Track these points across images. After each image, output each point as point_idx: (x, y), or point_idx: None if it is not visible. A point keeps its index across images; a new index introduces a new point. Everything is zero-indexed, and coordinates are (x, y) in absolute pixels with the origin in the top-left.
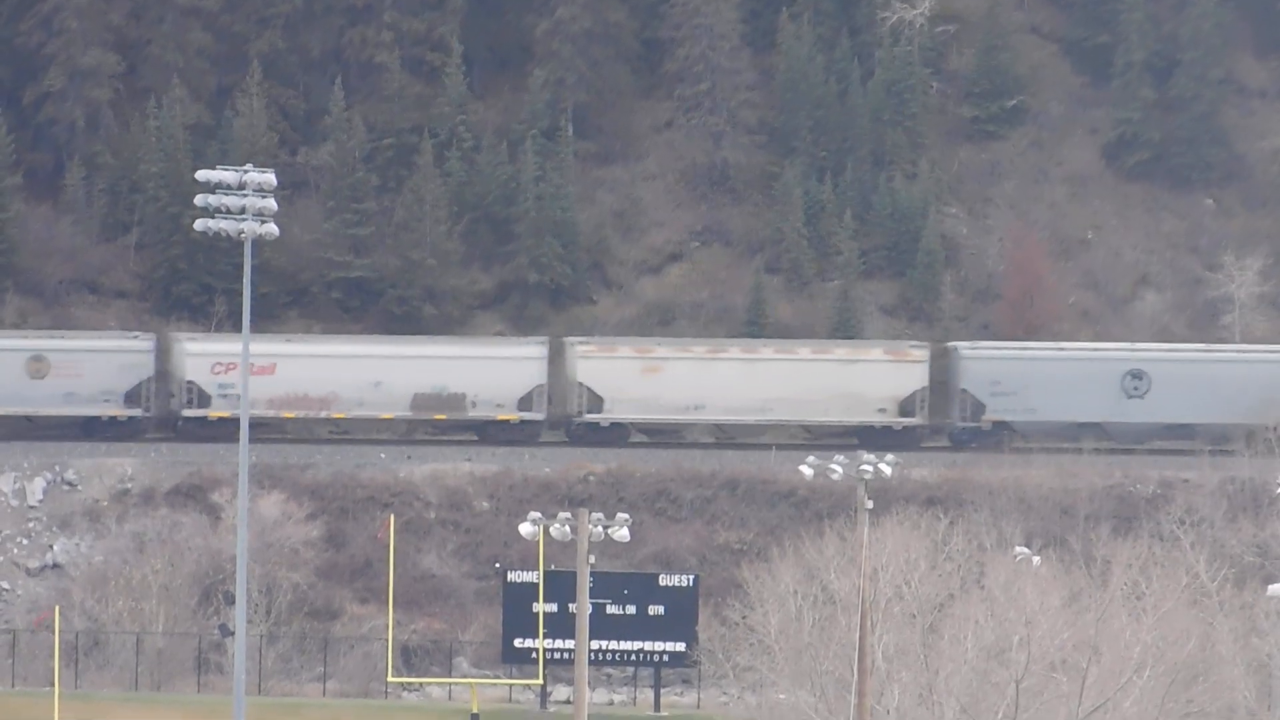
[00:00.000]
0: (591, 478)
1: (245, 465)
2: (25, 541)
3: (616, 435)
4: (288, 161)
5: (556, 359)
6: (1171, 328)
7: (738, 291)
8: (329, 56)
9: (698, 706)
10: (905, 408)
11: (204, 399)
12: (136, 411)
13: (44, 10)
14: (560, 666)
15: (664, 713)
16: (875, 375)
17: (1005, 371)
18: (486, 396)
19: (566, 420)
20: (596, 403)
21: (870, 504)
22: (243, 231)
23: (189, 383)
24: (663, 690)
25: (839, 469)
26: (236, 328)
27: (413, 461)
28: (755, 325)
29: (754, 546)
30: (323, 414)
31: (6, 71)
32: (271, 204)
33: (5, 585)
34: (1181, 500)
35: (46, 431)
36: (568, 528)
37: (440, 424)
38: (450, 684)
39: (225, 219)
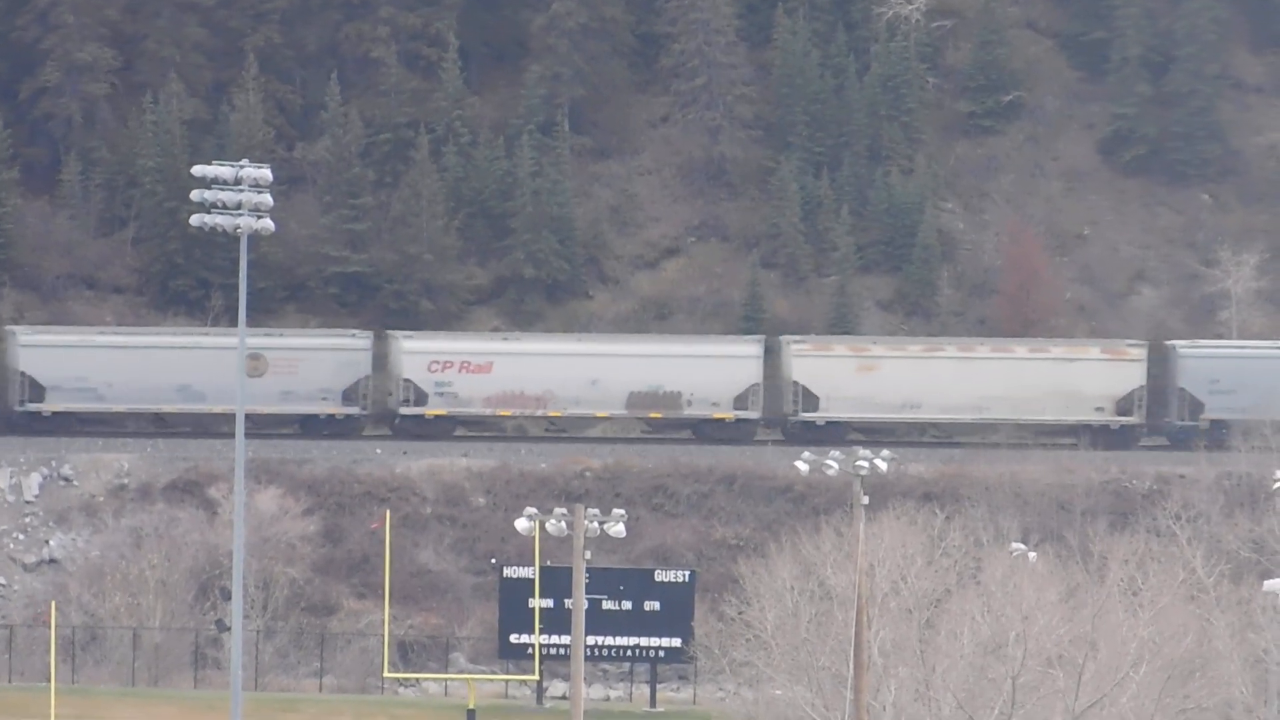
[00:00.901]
0: (588, 473)
1: (241, 460)
2: (22, 537)
3: (832, 434)
4: (284, 156)
5: (771, 357)
6: (1168, 323)
7: (734, 287)
8: (325, 51)
9: (694, 702)
10: (1122, 407)
11: (421, 397)
12: (354, 409)
13: (41, 5)
14: (556, 662)
15: (660, 708)
16: (1093, 374)
17: (1224, 370)
18: (702, 395)
19: (782, 419)
20: (812, 401)
21: (866, 499)
22: (239, 227)
23: (406, 380)
24: (659, 686)
25: (835, 465)
26: (233, 323)
27: (409, 457)
28: (752, 321)
29: (751, 542)
30: (539, 412)
31: (3, 66)
32: (268, 199)
33: (2, 581)
34: (1178, 495)
35: (264, 430)
36: (564, 523)
37: (655, 422)
38: (447, 680)
39: (222, 214)
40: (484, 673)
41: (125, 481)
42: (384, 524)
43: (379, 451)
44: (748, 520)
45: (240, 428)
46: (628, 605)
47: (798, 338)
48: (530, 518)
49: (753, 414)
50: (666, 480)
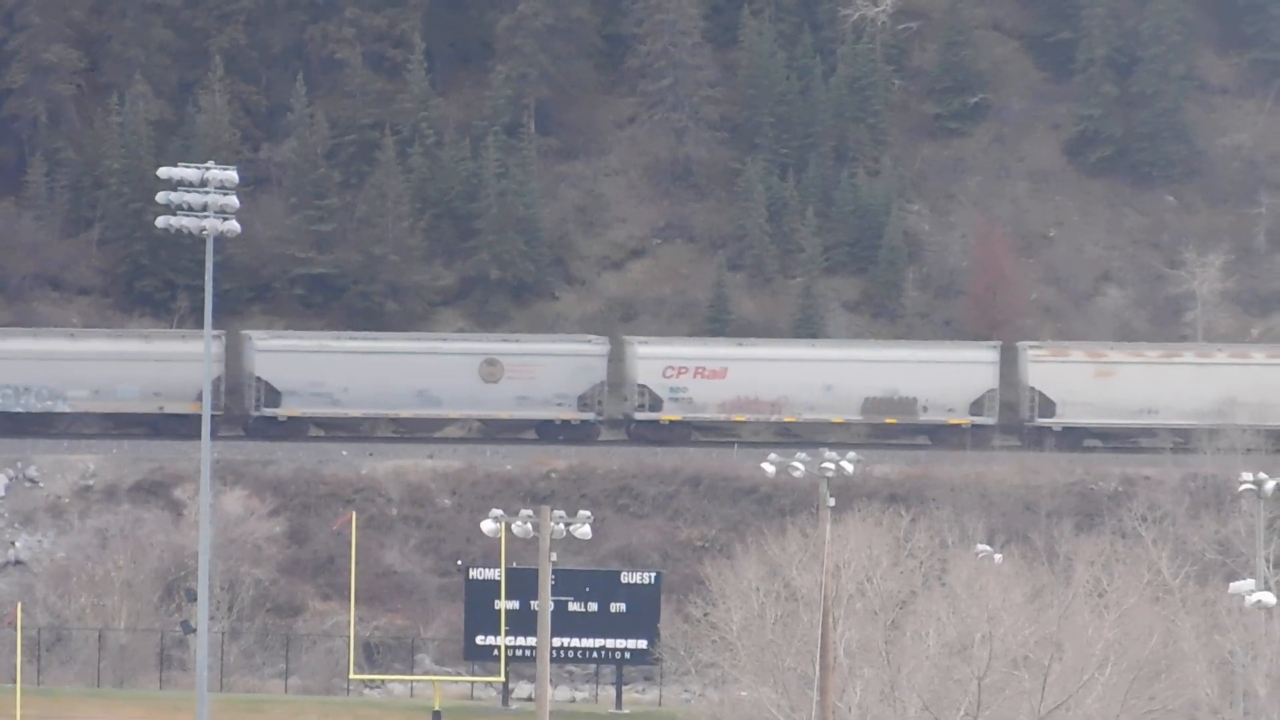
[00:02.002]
0: (554, 474)
1: (208, 461)
2: None
3: (1069, 440)
4: (250, 158)
5: (1008, 363)
6: (1133, 324)
7: (700, 288)
8: (291, 52)
9: (659, 704)
10: None
11: (656, 402)
12: (589, 415)
13: (6, 6)
14: (522, 663)
15: (626, 710)
16: None
17: None
18: (938, 400)
19: (1017, 425)
20: (1048, 407)
21: (833, 501)
22: (205, 228)
23: (641, 386)
24: (625, 687)
25: (801, 466)
26: (198, 324)
27: (375, 458)
28: (718, 322)
29: (716, 543)
30: (773, 417)
31: None
32: (234, 201)
33: None
34: (1144, 497)
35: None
36: (530, 525)
37: (889, 428)
38: (412, 681)
39: (187, 216)
40: (449, 674)
41: (91, 483)
42: (347, 524)
43: (344, 453)
44: (713, 521)
45: (206, 427)
46: (593, 607)
47: (1035, 343)
48: (496, 519)
49: (988, 420)
50: (632, 481)
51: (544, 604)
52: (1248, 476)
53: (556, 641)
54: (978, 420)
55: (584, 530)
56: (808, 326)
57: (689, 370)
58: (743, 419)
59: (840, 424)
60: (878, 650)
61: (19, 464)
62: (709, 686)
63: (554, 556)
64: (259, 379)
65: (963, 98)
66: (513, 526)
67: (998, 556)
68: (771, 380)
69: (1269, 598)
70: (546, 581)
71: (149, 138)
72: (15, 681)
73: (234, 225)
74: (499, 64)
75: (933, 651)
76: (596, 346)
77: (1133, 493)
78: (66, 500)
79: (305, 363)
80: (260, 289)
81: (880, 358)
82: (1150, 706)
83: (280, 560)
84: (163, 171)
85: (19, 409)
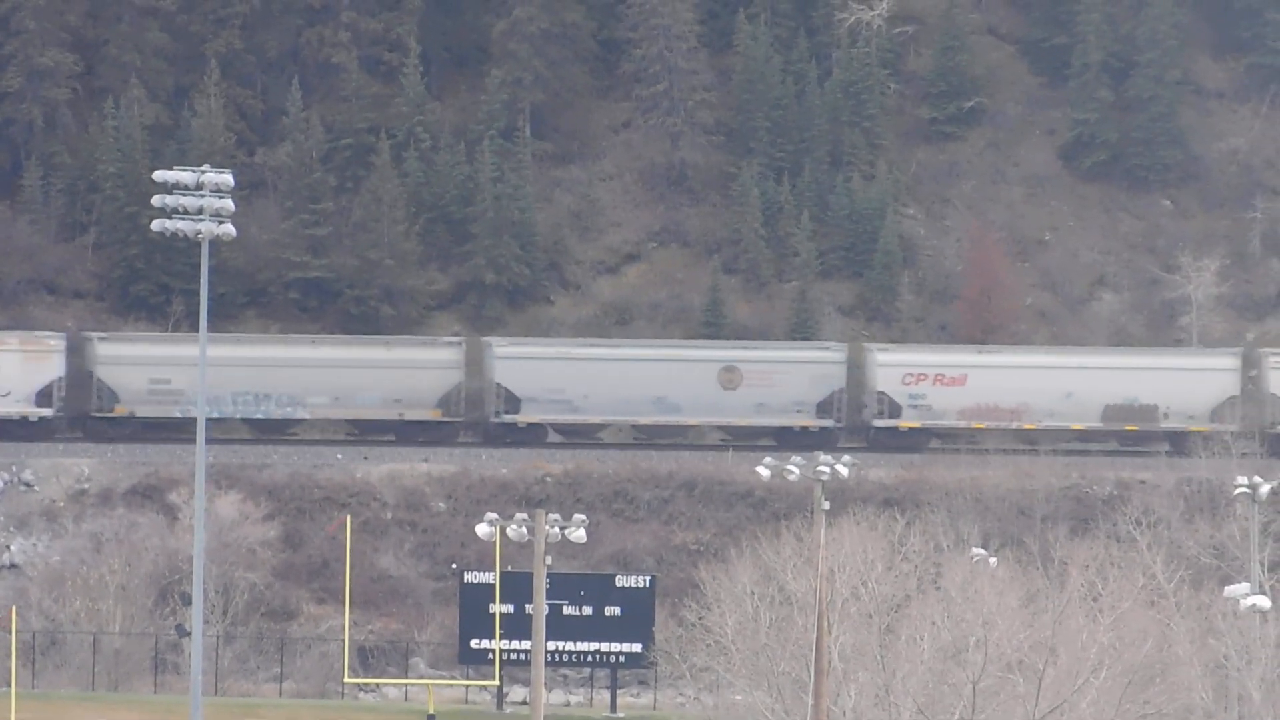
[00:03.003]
0: (549, 478)
1: (202, 465)
2: None
3: None
4: (245, 162)
5: (1249, 370)
6: (1129, 329)
7: (695, 292)
8: (286, 57)
9: (654, 707)
10: None
11: (895, 409)
12: (828, 422)
13: (1, 10)
14: (517, 667)
15: (620, 714)
16: None
17: None
18: (1179, 407)
19: (1260, 432)
20: None
21: (827, 505)
22: (200, 232)
23: (880, 393)
24: (619, 691)
25: (796, 470)
26: (194, 328)
27: (370, 462)
28: (712, 326)
29: (711, 547)
30: (1013, 425)
31: None
32: (229, 204)
33: None
34: (1138, 501)
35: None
36: (524, 529)
37: (1128, 435)
38: (407, 685)
39: (183, 219)
40: (444, 678)
41: (85, 486)
42: (341, 527)
43: (339, 456)
44: (708, 525)
45: (201, 431)
46: (588, 610)
47: (1277, 350)
48: (491, 523)
49: (1230, 426)
50: (627, 485)
51: (538, 608)
52: (1242, 481)
53: (551, 645)
54: (1219, 427)
55: (579, 534)
56: (802, 331)
57: (928, 377)
58: (982, 426)
59: (1080, 431)
60: (872, 654)
61: (14, 467)
62: (703, 690)
63: (549, 560)
64: (499, 385)
65: (958, 102)
66: (507, 530)
67: (992, 561)
68: (1011, 387)
69: (1263, 602)
70: (541, 585)
71: (144, 142)
72: (10, 685)
73: (229, 229)
74: (494, 68)
75: (927, 656)
76: (835, 353)
77: (1127, 497)
78: (61, 504)
79: (545, 369)
80: (255, 293)
81: (1122, 364)
82: (1145, 711)
83: (275, 564)
84: (158, 175)
85: (259, 415)
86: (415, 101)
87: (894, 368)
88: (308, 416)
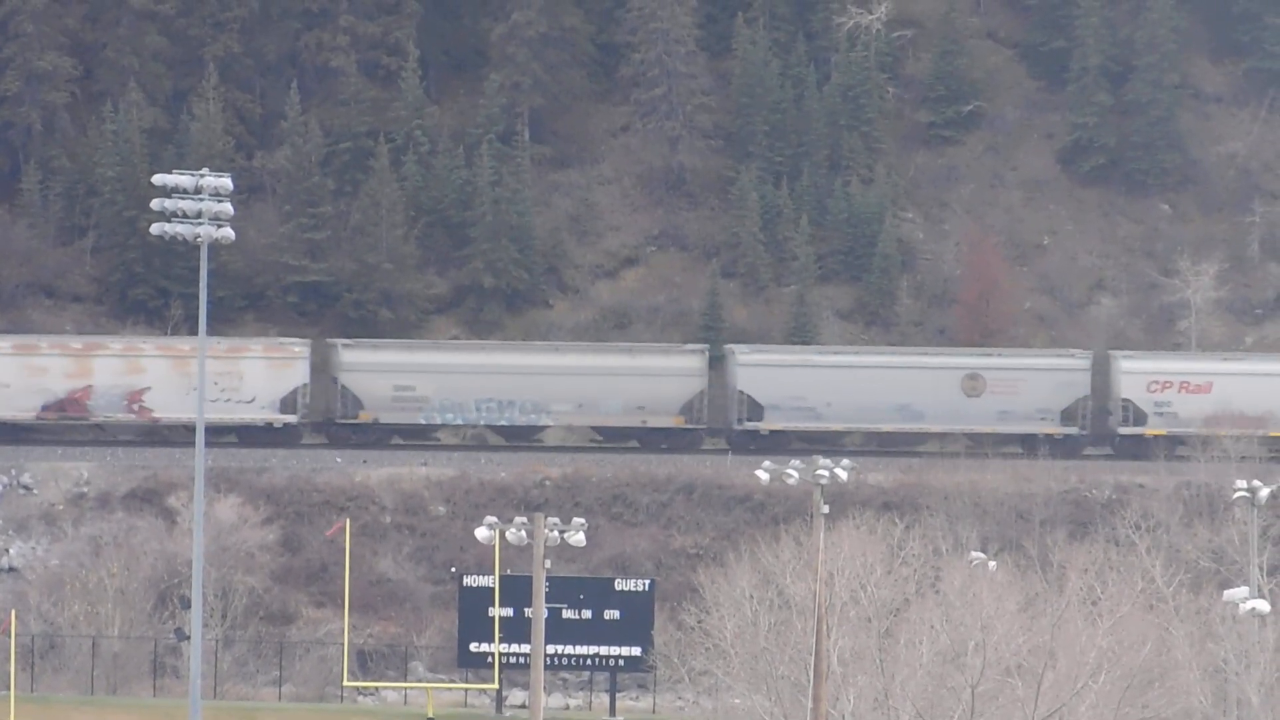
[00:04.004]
0: (548, 482)
1: (201, 469)
2: None
3: None
4: (244, 165)
5: None
6: (1127, 332)
7: (694, 296)
8: (285, 60)
9: (653, 711)
10: None
11: (1140, 417)
12: (1072, 429)
13: (0, 14)
14: (516, 671)
15: (619, 717)
16: None
17: None
18: None
19: None
20: None
21: (826, 509)
22: (199, 236)
23: (1125, 400)
24: (618, 695)
25: (795, 474)
26: (192, 331)
27: (369, 466)
28: (711, 330)
29: (710, 551)
30: (1259, 432)
31: None
32: (228, 208)
33: None
34: (1137, 505)
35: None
36: (524, 532)
37: None
38: (406, 688)
39: (181, 223)
40: (443, 681)
41: (84, 490)
42: (341, 531)
43: (339, 460)
44: (707, 529)
45: (200, 434)
46: (587, 614)
47: None
48: (490, 527)
49: None
50: (626, 489)
51: (538, 611)
52: (1241, 484)
53: (550, 649)
54: None
55: (578, 538)
56: (800, 335)
57: (1173, 384)
58: (1227, 433)
59: None
60: (871, 658)
61: (13, 471)
62: (702, 694)
63: (548, 564)
64: (742, 393)
65: (956, 106)
66: (506, 534)
67: (991, 564)
68: (1258, 394)
69: (1262, 605)
70: (540, 589)
71: (143, 145)
72: (9, 689)
73: (228, 233)
74: (493, 72)
75: (926, 659)
76: (1079, 360)
77: (1126, 501)
78: (60, 508)
79: (787, 377)
80: (254, 297)
81: None
82: (1144, 714)
83: (274, 568)
84: (157, 178)
85: (504, 422)
86: (414, 105)
87: (1139, 375)
88: (551, 423)
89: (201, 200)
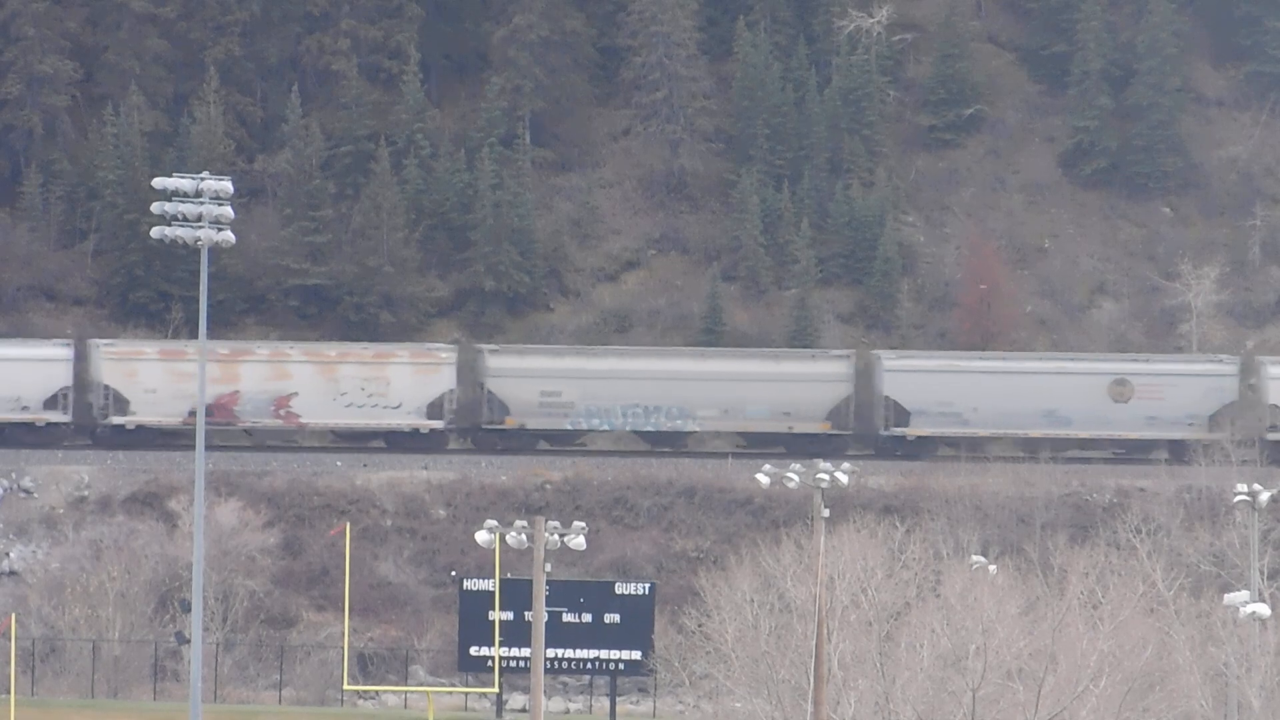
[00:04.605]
0: (548, 485)
1: (201, 472)
2: None
3: None
4: (245, 169)
5: None
6: (1128, 336)
7: (695, 299)
8: (286, 64)
9: (654, 715)
10: None
11: None
12: (1220, 435)
13: (1, 17)
14: (516, 674)
15: None
16: None
17: None
18: None
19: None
20: None
21: (827, 512)
22: (200, 239)
23: (1274, 406)
24: (619, 698)
25: (795, 477)
26: (193, 335)
27: (369, 469)
28: (712, 333)
29: (711, 554)
30: None
31: None
32: (228, 211)
33: None
34: (1138, 509)
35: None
36: (524, 536)
37: None
38: (406, 692)
39: (182, 226)
40: (443, 685)
41: (85, 494)
42: (341, 535)
43: (339, 464)
44: (708, 533)
45: (200, 438)
46: (588, 618)
47: None
48: (491, 530)
49: None
50: (626, 493)
51: (538, 615)
52: (1242, 488)
53: (550, 653)
54: None
55: (578, 541)
56: (802, 339)
57: None
58: None
59: None
60: (872, 662)
61: (13, 475)
62: (703, 698)
63: (548, 567)
64: (888, 398)
65: (957, 110)
66: (507, 537)
67: (992, 568)
68: None
69: (1263, 609)
70: (540, 592)
71: (144, 149)
72: (9, 692)
73: (229, 236)
74: (494, 76)
75: (927, 663)
76: (1227, 366)
77: (1127, 504)
78: (61, 511)
79: (934, 382)
80: (255, 300)
81: None
82: (1144, 718)
83: (274, 571)
84: (158, 182)
85: (649, 428)
86: (415, 109)
87: None
88: (697, 429)
89: (202, 203)
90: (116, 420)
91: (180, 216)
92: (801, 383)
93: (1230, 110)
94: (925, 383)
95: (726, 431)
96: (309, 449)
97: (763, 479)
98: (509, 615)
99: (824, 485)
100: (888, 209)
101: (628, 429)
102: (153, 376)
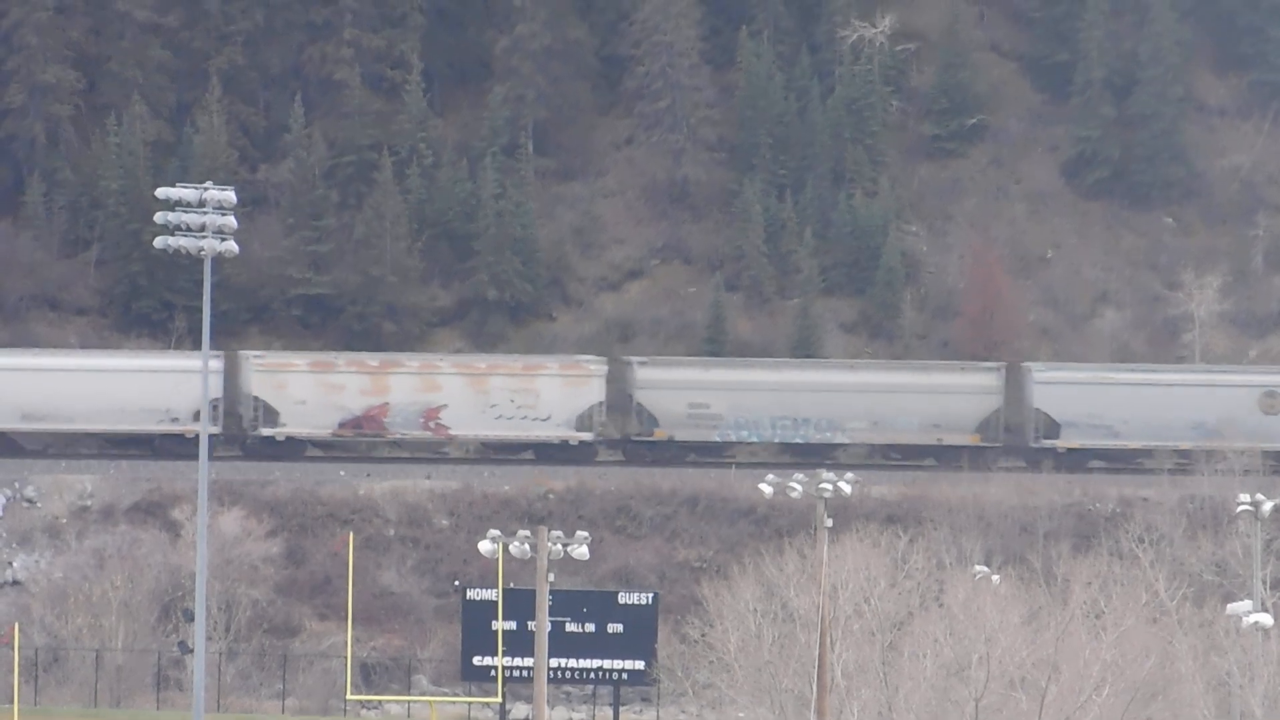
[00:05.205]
0: (551, 495)
1: (205, 481)
2: None
3: None
4: (248, 178)
5: None
6: (1131, 345)
7: (697, 309)
8: (289, 73)
9: None
10: None
11: None
12: None
13: (4, 26)
14: (519, 684)
15: None
16: None
17: None
18: None
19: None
20: None
21: (830, 521)
22: (203, 249)
23: None
24: (622, 708)
25: (798, 487)
26: (196, 345)
27: (372, 479)
28: (715, 343)
29: (714, 564)
30: None
31: None
32: (231, 221)
33: None
34: (1141, 518)
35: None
36: (527, 545)
37: None
38: (409, 701)
39: (185, 236)
40: (446, 694)
41: (88, 503)
42: (346, 545)
43: (342, 473)
44: (711, 542)
45: (204, 447)
46: (591, 627)
47: None
48: (494, 540)
49: None
50: (629, 502)
51: (541, 624)
52: (1245, 498)
53: (553, 662)
54: None
55: (581, 551)
56: (804, 348)
57: None
58: None
59: None
60: (875, 671)
61: (16, 484)
62: (706, 707)
63: (551, 577)
64: (1038, 410)
65: (960, 119)
66: (510, 547)
67: (995, 577)
68: None
69: (1266, 619)
70: (544, 602)
71: (146, 158)
72: (13, 702)
73: (232, 246)
74: (497, 85)
75: (930, 672)
76: None
77: (1130, 514)
78: (64, 520)
79: (1084, 394)
80: (258, 310)
81: None
82: None
83: (277, 580)
84: (160, 192)
85: (798, 440)
86: (418, 118)
87: None
88: (846, 441)
89: (205, 213)
90: (266, 432)
91: (183, 226)
92: (952, 394)
93: (1233, 119)
94: (1076, 395)
95: (876, 444)
96: (312, 459)
97: (766, 488)
98: (512, 625)
99: (827, 495)
100: (890, 218)
101: (776, 441)
102: (302, 388)
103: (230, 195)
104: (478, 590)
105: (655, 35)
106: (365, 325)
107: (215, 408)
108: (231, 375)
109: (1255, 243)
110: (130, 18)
